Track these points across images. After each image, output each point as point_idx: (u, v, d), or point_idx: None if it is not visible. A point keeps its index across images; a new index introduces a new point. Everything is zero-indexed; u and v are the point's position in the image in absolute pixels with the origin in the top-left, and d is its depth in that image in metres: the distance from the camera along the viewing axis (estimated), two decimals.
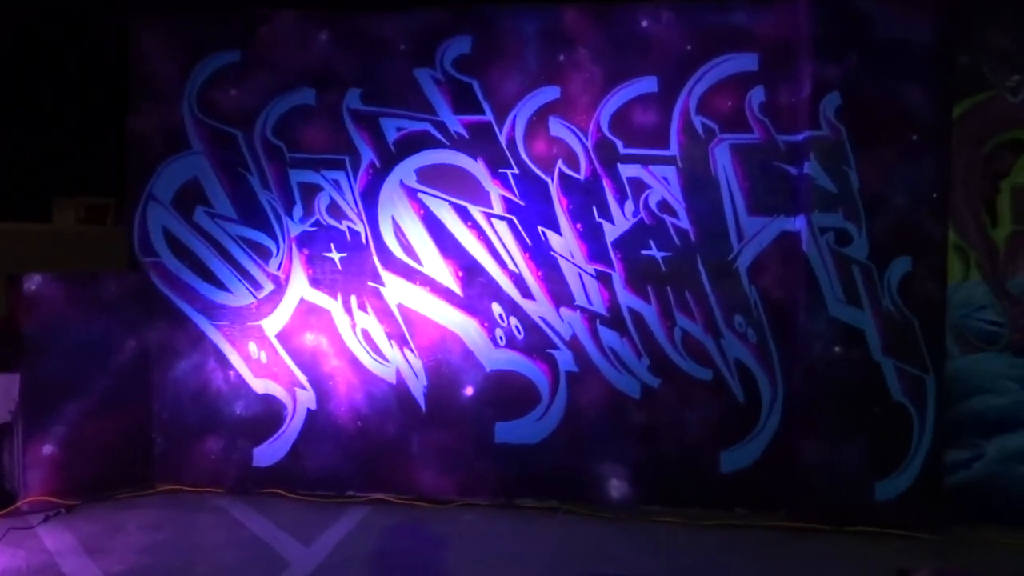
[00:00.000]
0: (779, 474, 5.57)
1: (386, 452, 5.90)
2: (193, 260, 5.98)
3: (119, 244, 6.28)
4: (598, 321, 5.74)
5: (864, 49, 5.27)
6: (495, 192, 5.78)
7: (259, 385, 5.97)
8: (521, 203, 5.76)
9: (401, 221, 5.86)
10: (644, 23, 5.63)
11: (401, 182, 5.86)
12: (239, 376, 5.98)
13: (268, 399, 5.96)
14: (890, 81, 5.25)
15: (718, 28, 5.56)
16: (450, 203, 5.81)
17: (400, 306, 5.88)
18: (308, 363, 5.94)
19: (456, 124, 5.79)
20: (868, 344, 5.34)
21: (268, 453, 5.94)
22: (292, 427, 5.93)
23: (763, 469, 5.61)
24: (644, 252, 5.67)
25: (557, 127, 5.72)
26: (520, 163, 5.76)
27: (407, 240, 5.86)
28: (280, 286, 5.92)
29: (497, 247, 5.79)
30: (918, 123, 5.25)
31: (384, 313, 5.89)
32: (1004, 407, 5.48)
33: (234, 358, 5.97)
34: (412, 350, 5.87)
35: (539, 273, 5.76)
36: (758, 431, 5.65)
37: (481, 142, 5.79)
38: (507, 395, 5.83)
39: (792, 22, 5.47)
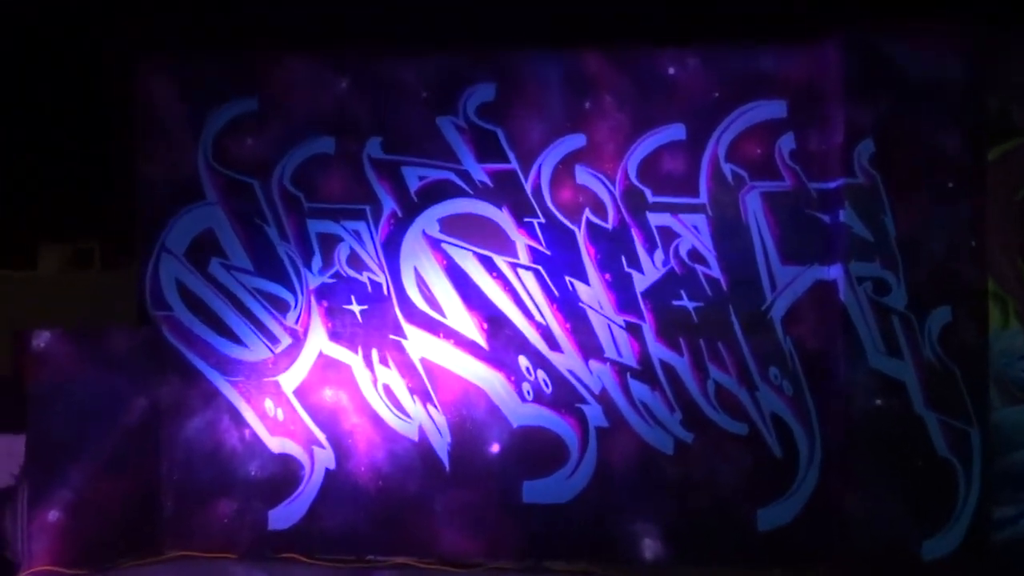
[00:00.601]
0: (818, 531, 5.20)
1: (408, 513, 5.47)
2: (208, 314, 5.58)
3: (109, 291, 5.83)
4: (628, 374, 5.38)
5: (895, 93, 5.04)
6: (521, 241, 5.45)
7: (275, 444, 5.54)
8: (548, 252, 5.43)
9: (424, 272, 5.51)
10: (670, 70, 5.37)
11: (424, 232, 5.52)
12: (254, 434, 5.55)
13: (285, 458, 5.52)
14: (923, 125, 5.03)
15: (745, 74, 5.31)
16: (474, 253, 5.48)
17: (423, 360, 5.49)
18: (327, 420, 5.52)
19: (480, 172, 5.48)
20: (910, 396, 5.01)
21: (284, 515, 5.49)
22: (309, 488, 5.49)
23: (802, 526, 5.24)
24: (675, 302, 5.34)
25: (584, 175, 5.42)
26: (546, 212, 5.44)
27: (430, 292, 5.50)
28: (298, 340, 5.52)
29: (523, 298, 5.45)
30: (953, 168, 5.01)
31: (406, 367, 5.50)
32: None
33: (249, 415, 5.55)
34: (435, 405, 5.48)
35: (567, 325, 5.41)
36: (796, 487, 5.29)
37: (506, 191, 5.47)
38: (535, 452, 5.44)
39: (821, 67, 5.23)
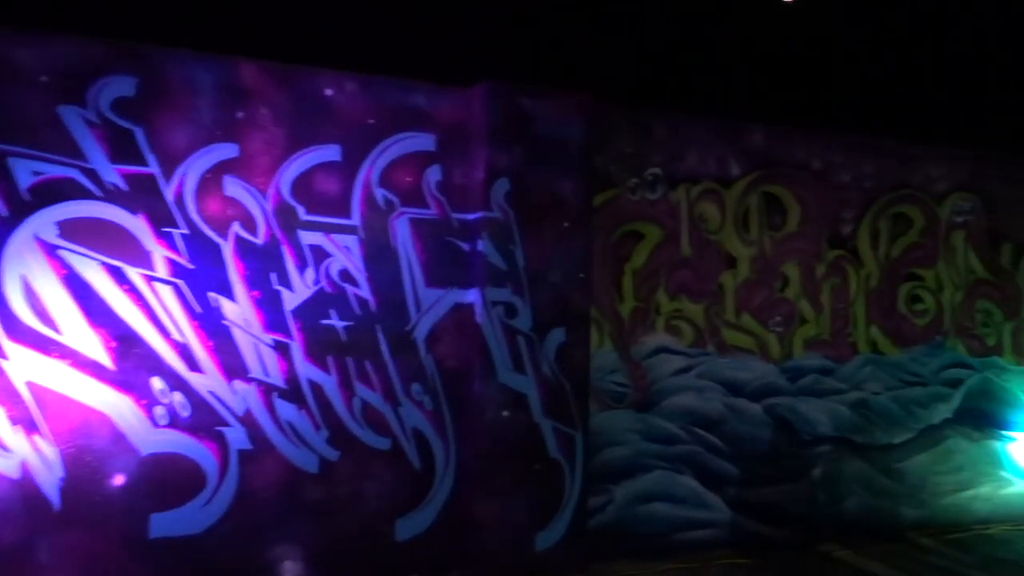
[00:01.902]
0: (453, 537, 5.19)
1: (3, 567, 4.27)
2: None
3: None
4: (275, 394, 4.86)
5: (529, 142, 5.31)
6: (159, 253, 4.64)
7: None
8: (190, 266, 4.70)
9: (34, 282, 4.38)
10: (328, 91, 5.03)
11: (36, 236, 4.40)
12: None
13: None
14: (549, 172, 5.36)
15: (399, 106, 5.19)
16: (101, 263, 4.51)
17: (30, 384, 4.37)
18: None
19: (112, 174, 4.56)
20: (530, 407, 5.25)
21: None
22: None
23: (438, 533, 5.19)
24: (324, 321, 4.98)
25: (234, 187, 4.81)
26: (190, 223, 4.71)
27: (42, 305, 4.39)
28: None
29: (159, 314, 4.63)
30: (569, 211, 5.40)
31: (6, 393, 4.32)
32: (628, 456, 5.78)
33: None
34: (44, 436, 4.38)
35: (209, 343, 4.72)
36: (432, 496, 5.22)
37: (143, 196, 4.64)
38: (167, 481, 4.65)
39: (468, 111, 5.31)
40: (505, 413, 5.25)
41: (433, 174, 5.33)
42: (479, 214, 5.27)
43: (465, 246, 5.36)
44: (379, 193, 5.18)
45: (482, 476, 5.24)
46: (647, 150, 5.95)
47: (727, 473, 6.11)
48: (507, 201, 5.29)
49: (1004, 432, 7.12)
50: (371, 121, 5.16)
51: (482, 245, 5.25)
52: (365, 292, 5.13)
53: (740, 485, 6.15)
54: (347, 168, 5.12)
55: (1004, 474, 7.11)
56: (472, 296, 5.29)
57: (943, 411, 6.90)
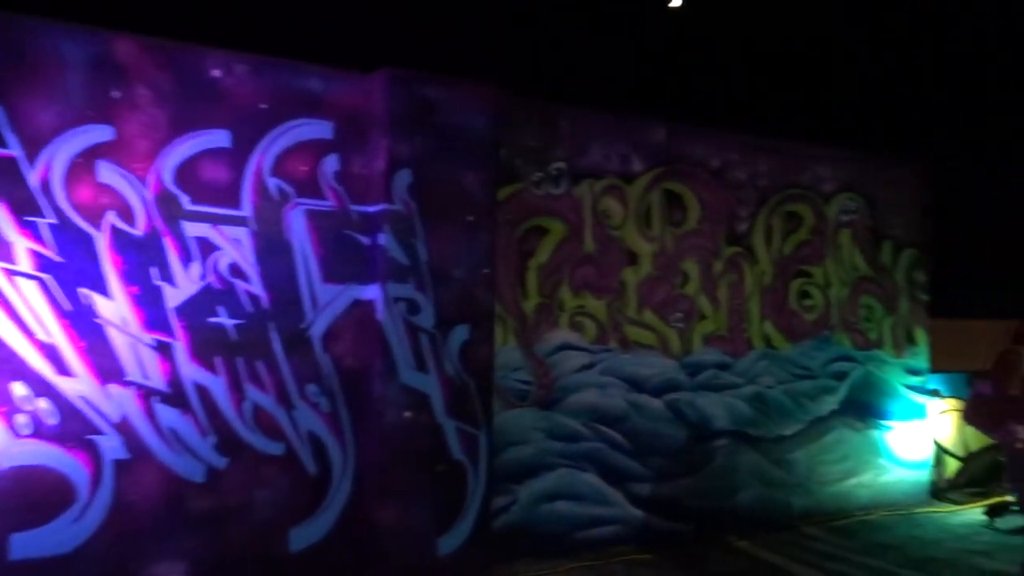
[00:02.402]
0: (352, 545, 4.96)
1: None
2: None
3: None
4: (156, 398, 4.49)
5: (432, 132, 5.13)
6: (21, 244, 4.20)
7: None
8: (58, 259, 4.27)
9: None
10: (215, 72, 4.68)
11: None
12: None
13: None
14: (453, 164, 5.20)
15: (294, 91, 4.89)
16: None
17: None
18: None
19: None
20: (433, 407, 5.07)
21: None
22: None
23: (335, 542, 4.95)
24: (212, 319, 4.64)
25: (108, 173, 4.41)
26: (58, 211, 4.29)
27: None
28: None
29: (22, 312, 4.19)
30: (473, 205, 5.26)
31: None
32: (532, 455, 5.70)
33: None
34: None
35: (81, 344, 4.32)
36: (329, 503, 4.97)
37: (2, 182, 4.16)
38: (30, 497, 4.22)
39: (367, 97, 5.07)
40: (407, 414, 5.05)
41: (331, 163, 5.06)
42: (380, 206, 5.04)
43: (365, 240, 5.11)
44: (272, 182, 4.86)
45: (382, 480, 5.02)
46: (551, 144, 5.87)
47: (629, 469, 6.12)
48: (409, 193, 5.08)
49: (883, 422, 7.45)
50: (263, 106, 4.84)
51: (383, 239, 5.03)
52: (257, 288, 4.81)
53: (641, 481, 6.18)
54: (237, 155, 4.78)
55: (883, 462, 7.44)
56: (372, 292, 5.06)
57: (830, 403, 7.16)
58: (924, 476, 7.67)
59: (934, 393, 7.91)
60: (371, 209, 5.13)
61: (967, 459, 8.06)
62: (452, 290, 5.21)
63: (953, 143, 9.00)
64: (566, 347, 5.94)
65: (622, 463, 6.12)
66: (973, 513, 7.18)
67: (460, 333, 5.24)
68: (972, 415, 4.78)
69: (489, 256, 5.36)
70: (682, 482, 6.34)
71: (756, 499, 6.67)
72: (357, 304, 5.11)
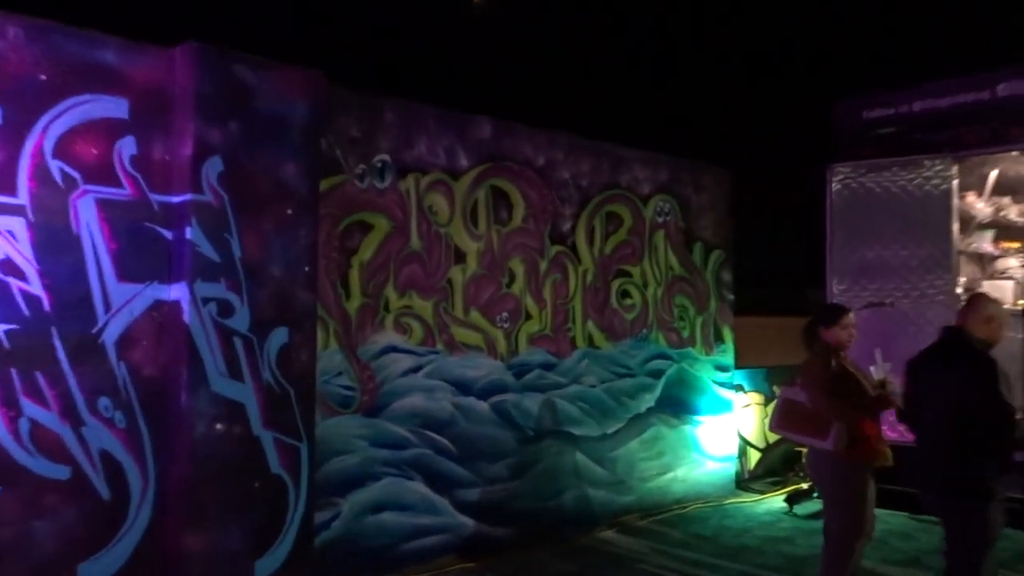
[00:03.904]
0: (154, 574, 4.53)
1: None
2: None
3: None
4: None
5: (247, 117, 4.84)
6: None
7: None
8: None
9: None
10: None
11: None
12: None
13: None
14: (270, 153, 4.93)
15: (81, 63, 4.43)
16: None
17: None
18: None
19: None
20: (249, 418, 4.78)
21: None
22: None
23: (134, 574, 4.49)
24: None
25: None
26: None
27: None
28: None
29: None
30: (293, 197, 5.01)
31: None
32: (356, 465, 5.55)
33: None
34: None
35: None
36: (126, 531, 4.54)
37: None
38: None
39: (170, 74, 4.68)
40: (219, 427, 4.71)
41: (127, 147, 4.61)
42: (186, 196, 4.67)
43: (168, 234, 4.72)
44: (55, 166, 4.36)
45: (190, 502, 4.64)
46: (376, 135, 5.73)
47: (456, 475, 6.09)
48: (220, 183, 4.75)
49: (695, 417, 7.95)
50: (43, 77, 4.31)
51: (190, 233, 4.66)
52: (36, 288, 4.28)
53: (468, 487, 6.17)
54: (10, 133, 4.23)
55: (696, 456, 7.93)
56: (177, 292, 4.67)
57: (648, 400, 7.53)
58: (731, 468, 8.26)
59: (739, 388, 8.55)
60: (175, 199, 4.73)
61: (765, 450, 8.79)
62: (269, 289, 4.93)
63: (752, 151, 9.76)
64: (391, 349, 5.81)
65: (449, 469, 6.08)
66: (775, 501, 7.82)
67: (278, 336, 4.97)
68: (783, 424, 4.98)
69: (310, 253, 5.13)
70: (508, 486, 6.40)
71: (580, 499, 6.88)
72: (159, 305, 4.70)
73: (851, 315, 4.89)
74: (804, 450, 5.58)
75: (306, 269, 5.11)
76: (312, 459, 5.14)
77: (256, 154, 4.89)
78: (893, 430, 5.59)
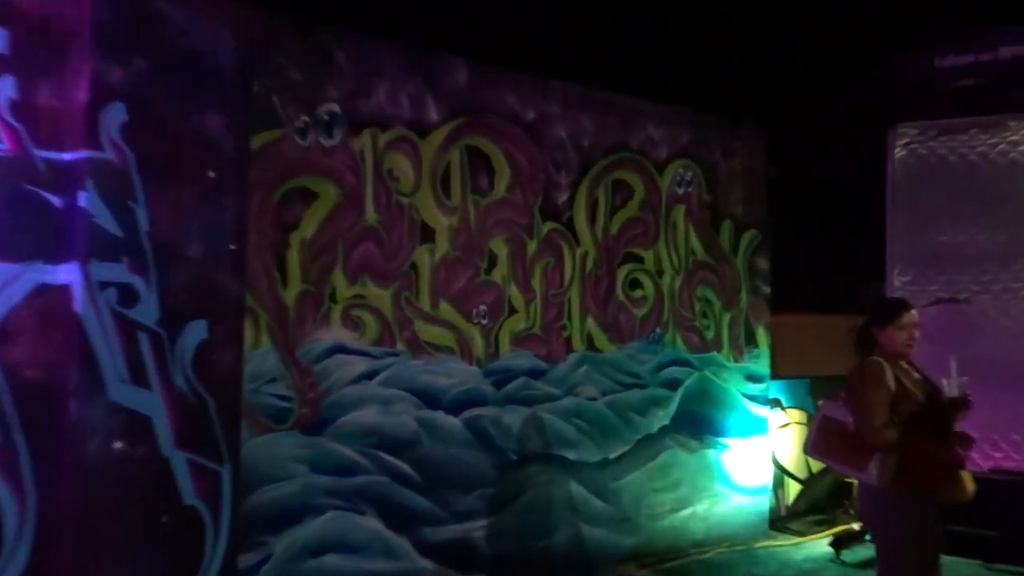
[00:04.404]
0: None
1: None
2: None
3: None
4: None
5: (158, 55, 4.82)
6: None
7: None
8: None
9: None
10: None
11: None
12: None
13: None
14: (188, 100, 4.92)
15: None
16: None
17: None
18: None
19: None
20: (157, 435, 4.79)
21: None
22: None
23: None
24: None
25: None
26: None
27: None
28: None
29: None
30: (216, 156, 5.02)
31: None
32: (292, 495, 5.60)
33: None
34: None
35: None
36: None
37: None
38: None
39: (60, 1, 4.63)
40: (118, 444, 4.72)
41: (5, 89, 4.58)
42: (80, 154, 4.65)
43: (57, 200, 4.69)
44: None
45: (81, 537, 4.66)
46: (323, 80, 5.75)
47: (418, 509, 6.15)
48: (124, 137, 4.73)
49: (720, 439, 8.02)
50: None
51: (85, 199, 4.64)
52: None
53: (434, 524, 6.23)
54: None
55: (720, 488, 8.01)
56: (67, 274, 4.65)
57: (661, 417, 7.60)
58: (764, 503, 8.35)
59: (775, 404, 8.63)
60: (67, 157, 4.70)
61: (808, 482, 8.88)
62: (185, 273, 4.91)
63: (796, 107, 9.79)
64: (339, 350, 5.85)
65: (410, 501, 6.13)
66: (818, 545, 7.90)
67: (195, 332, 4.96)
68: (819, 447, 5.01)
69: (238, 228, 5.12)
70: (485, 523, 6.46)
71: (575, 539, 6.94)
72: (44, 290, 4.67)
73: (913, 312, 4.89)
74: (855, 481, 5.64)
75: (232, 248, 5.11)
76: (236, 487, 5.14)
77: (170, 101, 4.86)
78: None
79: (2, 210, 4.57)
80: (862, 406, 4.63)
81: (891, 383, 4.63)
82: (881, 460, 4.53)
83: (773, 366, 8.55)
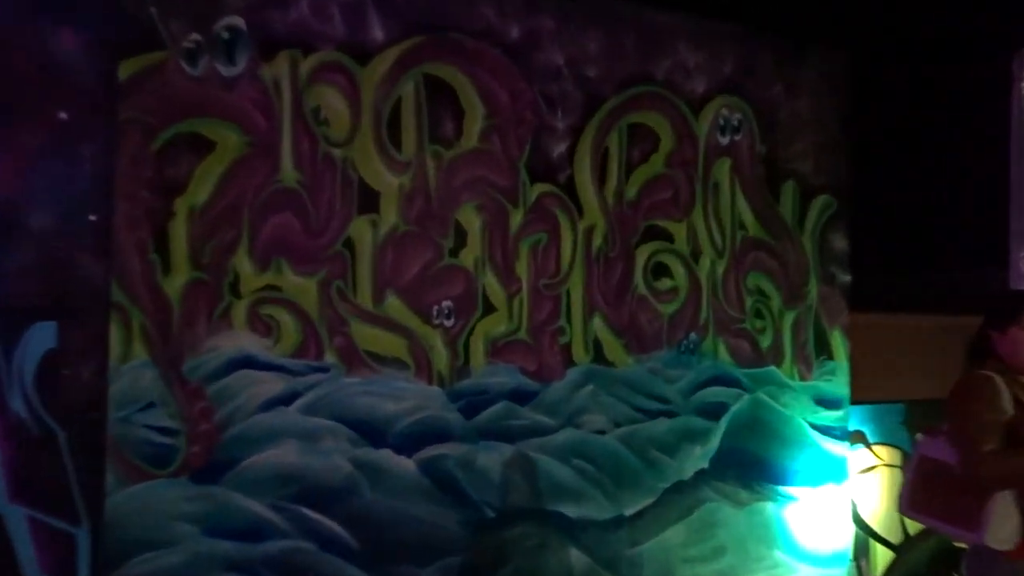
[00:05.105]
0: None
1: None
2: None
3: None
4: None
5: None
6: None
7: None
8: None
9: None
10: None
11: None
12: None
13: None
14: (30, 12, 4.91)
15: None
16: None
17: None
18: None
19: None
20: None
21: None
22: None
23: None
24: None
25: None
26: None
27: None
28: None
29: None
30: (73, 91, 5.02)
31: None
32: (178, 567, 5.58)
33: None
34: None
35: None
36: None
37: None
38: None
39: None
40: None
41: None
42: None
43: None
44: None
45: None
46: None
47: None
48: None
49: (781, 489, 8.04)
50: None
51: None
52: None
53: None
54: None
55: (780, 556, 8.04)
56: None
57: (698, 458, 7.61)
58: None
59: (858, 438, 8.65)
60: None
61: (901, 546, 8.92)
62: (25, 253, 4.92)
63: (885, 26, 9.83)
64: (244, 364, 5.83)
65: (343, 575, 6.12)
66: None
67: (40, 338, 4.97)
68: (918, 501, 5.02)
69: (100, 190, 5.13)
70: None
71: None
72: None
73: None
74: (965, 546, 5.67)
75: (92, 218, 5.11)
76: (98, 557, 5.15)
77: (8, 14, 4.87)
78: None
79: None
80: (965, 431, 4.65)
81: (1008, 405, 4.65)
82: (999, 512, 4.55)
83: (854, 386, 8.57)
